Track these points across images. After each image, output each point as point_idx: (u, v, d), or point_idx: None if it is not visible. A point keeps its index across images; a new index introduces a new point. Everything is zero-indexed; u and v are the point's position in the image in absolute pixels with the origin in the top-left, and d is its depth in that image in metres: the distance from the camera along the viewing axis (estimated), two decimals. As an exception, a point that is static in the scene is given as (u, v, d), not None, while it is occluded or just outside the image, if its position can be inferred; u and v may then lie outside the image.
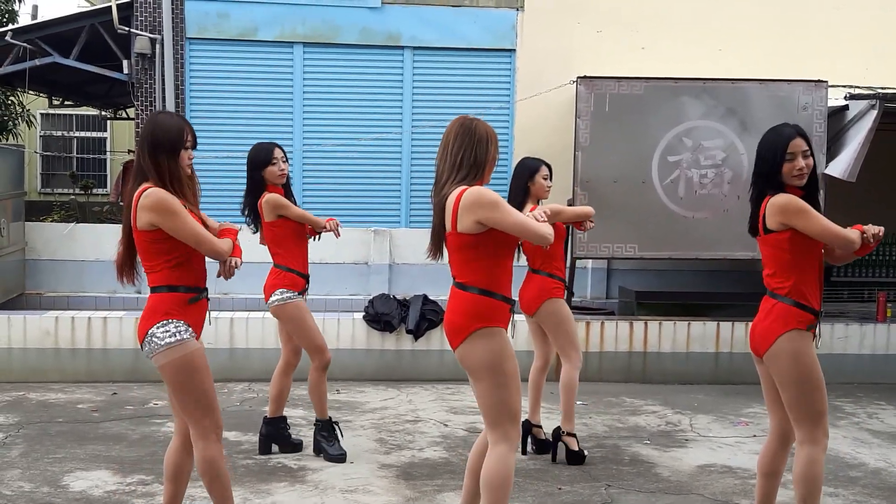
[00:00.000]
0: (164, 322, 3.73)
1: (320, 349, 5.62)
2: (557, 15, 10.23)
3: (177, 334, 3.73)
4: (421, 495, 5.08)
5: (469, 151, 3.86)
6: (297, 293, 5.57)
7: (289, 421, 5.97)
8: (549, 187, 5.71)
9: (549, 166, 5.75)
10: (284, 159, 5.62)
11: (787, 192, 3.97)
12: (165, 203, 3.66)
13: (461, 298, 3.79)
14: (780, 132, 4.03)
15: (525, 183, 5.63)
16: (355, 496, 5.04)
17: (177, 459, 3.96)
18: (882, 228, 3.96)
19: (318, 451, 5.77)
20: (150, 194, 3.68)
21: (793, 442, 4.13)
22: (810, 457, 3.97)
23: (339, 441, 5.76)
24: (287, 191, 5.68)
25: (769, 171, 4.01)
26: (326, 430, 5.73)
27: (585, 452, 5.77)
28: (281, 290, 5.55)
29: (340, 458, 5.65)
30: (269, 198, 5.52)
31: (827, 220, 3.95)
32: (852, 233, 3.96)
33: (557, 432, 5.78)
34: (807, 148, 3.97)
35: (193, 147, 3.86)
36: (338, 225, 5.75)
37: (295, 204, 5.68)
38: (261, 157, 5.56)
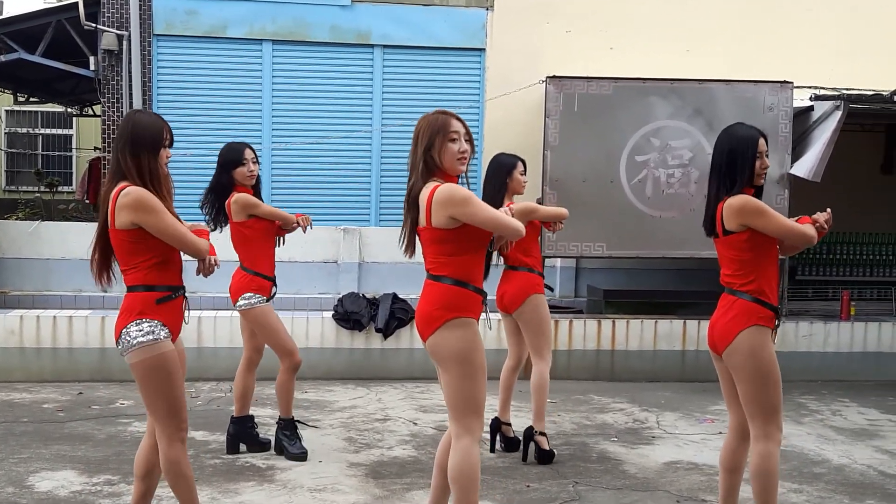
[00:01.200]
0: (139, 321, 3.71)
1: (290, 352, 5.61)
2: (527, 14, 10.26)
3: (150, 334, 3.71)
4: (390, 493, 5.08)
5: (414, 150, 3.92)
6: (264, 298, 5.55)
7: (256, 420, 5.95)
8: (526, 182, 5.75)
9: (524, 162, 5.79)
10: (255, 160, 5.62)
11: (744, 191, 4.06)
12: (147, 201, 3.65)
13: (435, 289, 3.82)
14: (750, 130, 4.13)
15: (503, 179, 5.66)
16: (324, 495, 5.03)
17: (147, 458, 3.94)
18: (829, 211, 4.04)
19: (280, 450, 5.75)
20: (130, 193, 3.65)
21: None
22: (765, 451, 4.01)
23: (300, 440, 5.74)
24: (256, 192, 5.66)
25: (741, 166, 4.07)
26: (289, 429, 5.72)
27: (555, 451, 5.80)
28: (248, 294, 5.53)
29: (301, 456, 5.63)
30: (238, 197, 5.50)
31: (783, 217, 4.04)
32: (808, 228, 4.05)
33: (530, 432, 5.77)
34: (767, 149, 4.14)
35: (171, 145, 3.86)
36: (308, 221, 5.74)
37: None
38: (231, 157, 5.55)
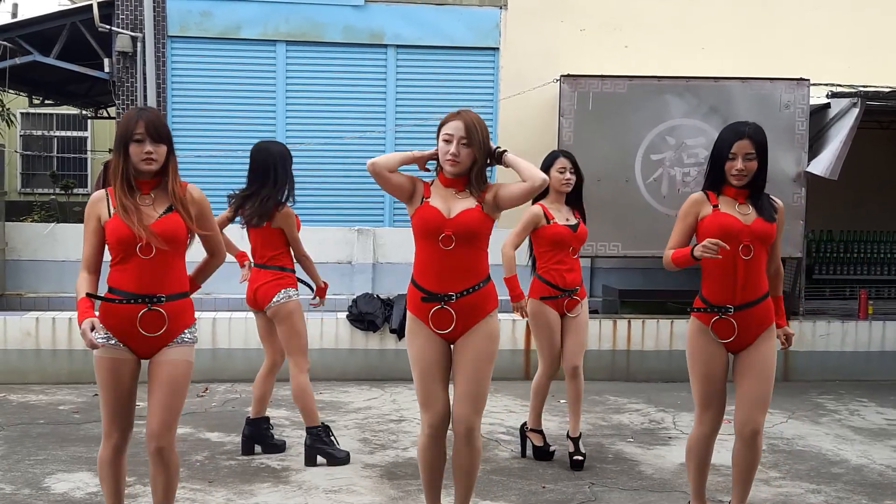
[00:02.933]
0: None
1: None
2: (541, 13, 10.23)
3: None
4: (405, 495, 5.06)
5: None
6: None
7: (272, 421, 5.94)
8: (566, 181, 5.58)
9: (567, 156, 5.65)
10: None
11: (723, 189, 4.18)
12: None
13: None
14: (732, 129, 4.16)
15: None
16: (339, 496, 5.02)
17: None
18: (716, 242, 3.99)
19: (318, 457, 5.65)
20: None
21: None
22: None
23: (337, 442, 5.69)
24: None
25: (711, 167, 4.21)
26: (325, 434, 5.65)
27: (552, 448, 5.79)
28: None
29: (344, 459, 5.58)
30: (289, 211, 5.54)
31: (674, 229, 4.28)
32: (666, 255, 4.28)
33: (522, 428, 5.86)
34: (751, 151, 4.07)
35: (153, 140, 3.76)
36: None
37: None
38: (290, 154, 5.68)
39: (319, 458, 5.57)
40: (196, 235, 3.88)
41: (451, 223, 3.91)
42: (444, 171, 3.97)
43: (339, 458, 5.56)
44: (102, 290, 3.78)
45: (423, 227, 3.93)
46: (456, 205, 3.94)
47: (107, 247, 3.76)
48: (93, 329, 3.52)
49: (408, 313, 4.07)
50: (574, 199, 5.70)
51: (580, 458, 5.64)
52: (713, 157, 4.18)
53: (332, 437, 5.66)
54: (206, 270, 4.09)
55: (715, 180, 4.20)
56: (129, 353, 3.76)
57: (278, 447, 5.81)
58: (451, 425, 4.07)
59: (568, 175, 5.58)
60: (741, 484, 4.30)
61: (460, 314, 3.95)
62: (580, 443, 5.70)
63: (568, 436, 5.76)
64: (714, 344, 4.20)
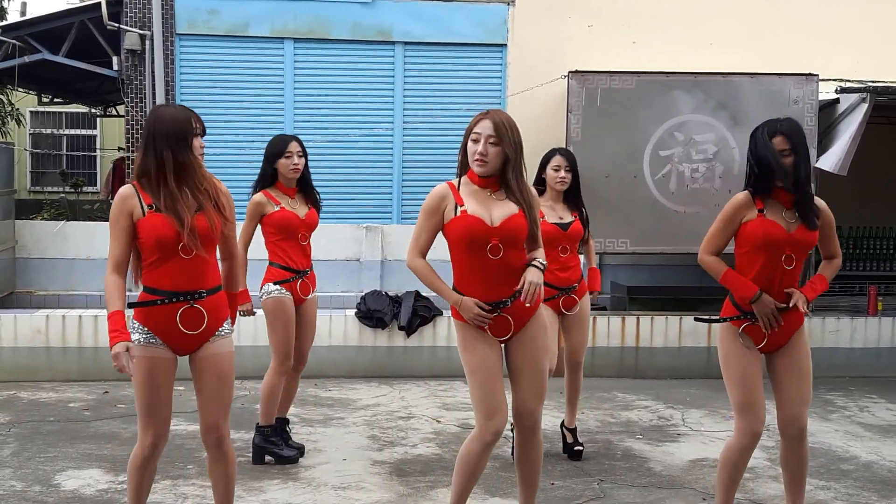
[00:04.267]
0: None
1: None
2: (549, 9, 10.21)
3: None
4: (414, 491, 5.07)
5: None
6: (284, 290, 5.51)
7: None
8: (561, 179, 5.56)
9: (563, 153, 5.65)
10: (300, 154, 5.51)
11: (772, 193, 4.06)
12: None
13: None
14: (766, 126, 4.07)
15: (539, 174, 5.67)
16: (348, 493, 5.03)
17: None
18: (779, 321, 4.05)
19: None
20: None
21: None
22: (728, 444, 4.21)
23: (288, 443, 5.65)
24: (305, 188, 5.62)
25: (760, 167, 4.05)
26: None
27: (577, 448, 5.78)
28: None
29: (293, 458, 5.54)
30: (253, 198, 5.47)
31: (712, 230, 4.19)
32: (706, 259, 4.23)
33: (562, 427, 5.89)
34: (785, 147, 3.97)
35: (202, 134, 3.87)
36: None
37: (313, 202, 5.64)
38: (275, 149, 5.46)
39: (268, 458, 5.53)
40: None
41: (498, 232, 3.84)
42: (474, 171, 3.90)
43: (287, 458, 5.51)
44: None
45: (467, 237, 3.83)
46: (496, 210, 3.87)
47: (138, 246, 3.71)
48: (127, 350, 3.54)
49: (456, 322, 3.96)
50: (572, 198, 5.66)
51: (580, 448, 5.72)
52: (759, 158, 4.02)
53: (287, 434, 5.65)
54: (230, 278, 4.01)
55: (763, 180, 4.04)
56: (167, 352, 3.74)
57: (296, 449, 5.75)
58: (517, 420, 4.02)
59: (563, 173, 5.57)
60: (795, 485, 4.21)
61: (515, 317, 3.94)
62: (577, 433, 5.80)
63: (564, 427, 5.83)
64: (746, 347, 4.11)
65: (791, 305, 4.05)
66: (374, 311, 8.17)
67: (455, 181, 3.98)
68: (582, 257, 5.83)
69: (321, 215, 5.78)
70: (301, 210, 5.54)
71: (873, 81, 8.92)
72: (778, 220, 4.03)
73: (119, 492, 4.98)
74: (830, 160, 8.22)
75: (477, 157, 3.83)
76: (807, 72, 8.53)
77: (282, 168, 5.46)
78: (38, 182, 18.64)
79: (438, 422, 6.64)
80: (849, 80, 9.04)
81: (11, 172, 10.06)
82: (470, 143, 3.87)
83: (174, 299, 3.69)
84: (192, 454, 5.67)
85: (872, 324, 8.67)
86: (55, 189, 17.54)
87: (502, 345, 4.04)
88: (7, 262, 9.46)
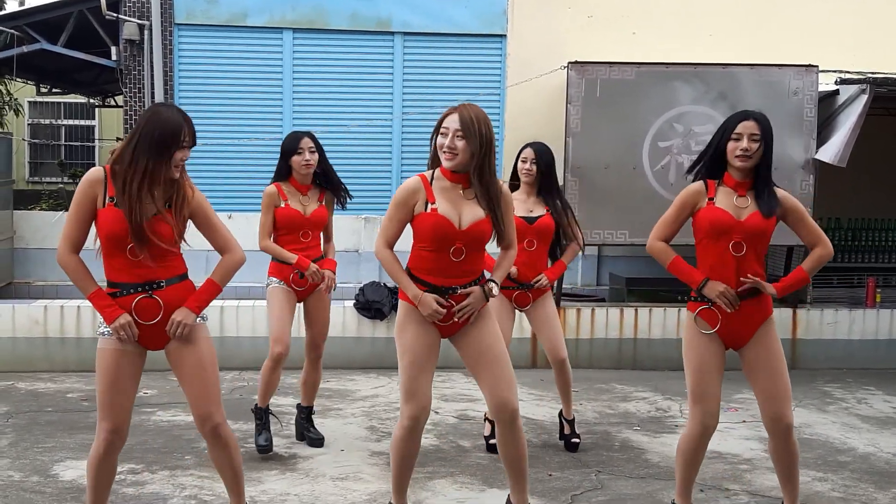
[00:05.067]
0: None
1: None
2: (548, 0, 10.18)
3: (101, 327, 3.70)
4: (412, 482, 5.04)
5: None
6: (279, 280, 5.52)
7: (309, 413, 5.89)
8: (527, 171, 5.56)
9: (533, 147, 5.62)
10: (312, 150, 5.52)
11: (724, 178, 4.10)
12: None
13: None
14: (737, 113, 4.11)
15: (514, 165, 5.67)
16: (346, 483, 5.03)
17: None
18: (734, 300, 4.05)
19: (301, 437, 5.79)
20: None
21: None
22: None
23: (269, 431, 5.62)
24: (326, 183, 5.66)
25: (712, 151, 4.10)
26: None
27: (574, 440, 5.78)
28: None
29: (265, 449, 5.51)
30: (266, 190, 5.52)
31: (664, 216, 4.27)
32: (655, 245, 4.36)
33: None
34: (756, 132, 3.97)
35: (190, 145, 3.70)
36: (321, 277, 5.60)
37: (333, 199, 5.72)
38: (288, 146, 5.51)
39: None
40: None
41: (463, 235, 3.88)
42: (443, 164, 3.93)
43: (258, 444, 5.51)
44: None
45: (432, 236, 3.88)
46: (466, 211, 3.90)
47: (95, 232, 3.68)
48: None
49: (401, 302, 4.03)
50: (545, 192, 5.63)
51: (577, 440, 5.74)
52: (714, 141, 4.08)
53: (266, 420, 5.62)
54: (220, 269, 3.83)
55: (715, 166, 4.10)
56: (133, 346, 3.70)
57: (314, 441, 5.75)
58: (494, 414, 4.02)
59: (528, 165, 5.57)
60: (788, 481, 4.20)
61: (458, 304, 3.96)
62: (575, 424, 5.81)
63: (562, 417, 5.83)
64: (706, 336, 4.10)
65: (750, 293, 4.04)
66: (372, 303, 8.17)
67: (428, 174, 3.99)
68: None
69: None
70: (309, 207, 5.55)
71: (873, 73, 8.91)
72: (727, 208, 4.04)
73: (117, 482, 4.98)
74: (830, 151, 8.21)
75: (445, 150, 3.86)
76: (807, 63, 8.51)
77: (294, 164, 5.51)
78: (36, 172, 18.60)
79: (436, 413, 6.64)
80: (849, 72, 9.02)
81: (9, 163, 10.06)
82: (439, 137, 3.90)
83: (130, 290, 3.66)
84: (189, 445, 5.67)
85: (871, 315, 8.68)
86: (53, 179, 17.49)
87: (445, 339, 4.07)
88: (5, 253, 9.46)
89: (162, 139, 3.56)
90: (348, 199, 5.81)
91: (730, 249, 4.03)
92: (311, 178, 5.60)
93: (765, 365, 4.10)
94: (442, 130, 3.88)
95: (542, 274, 5.56)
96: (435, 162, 3.99)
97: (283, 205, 5.49)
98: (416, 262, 3.99)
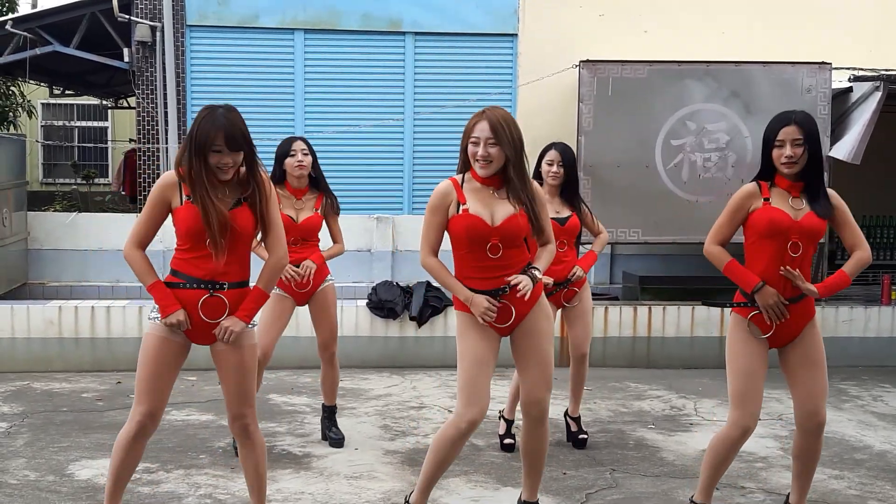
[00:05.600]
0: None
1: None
2: (559, -1, 10.17)
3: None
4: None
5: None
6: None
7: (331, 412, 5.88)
8: (554, 174, 5.55)
9: (558, 147, 5.60)
10: (305, 152, 5.50)
11: (775, 180, 4.07)
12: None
13: None
14: (779, 117, 4.07)
15: (536, 168, 5.64)
16: (360, 482, 5.04)
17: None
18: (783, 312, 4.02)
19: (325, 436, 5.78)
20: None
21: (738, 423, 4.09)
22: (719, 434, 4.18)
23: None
24: (318, 185, 5.63)
25: (763, 157, 4.09)
26: None
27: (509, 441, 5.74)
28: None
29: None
30: None
31: (719, 220, 4.17)
32: (711, 250, 4.24)
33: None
34: (798, 137, 3.95)
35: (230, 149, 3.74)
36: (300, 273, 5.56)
37: (325, 204, 5.64)
38: (282, 149, 5.50)
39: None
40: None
41: (497, 231, 3.91)
42: (478, 173, 3.95)
43: (234, 445, 5.49)
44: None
45: (467, 236, 3.92)
46: (498, 209, 3.93)
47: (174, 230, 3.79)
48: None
49: (457, 312, 4.05)
50: (568, 193, 5.64)
51: (585, 436, 5.75)
52: (763, 147, 4.07)
53: (334, 420, 5.75)
54: (265, 274, 3.88)
55: (766, 170, 4.08)
56: (181, 337, 3.80)
57: (335, 441, 5.74)
58: (525, 409, 4.06)
59: (556, 168, 5.56)
60: (804, 477, 4.20)
61: (516, 304, 3.99)
62: (581, 422, 5.83)
63: (568, 416, 5.85)
64: (753, 338, 4.08)
65: (798, 295, 4.02)
66: (385, 302, 8.17)
67: (458, 177, 4.03)
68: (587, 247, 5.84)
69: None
70: (302, 214, 5.51)
71: (887, 70, 8.86)
72: (783, 208, 4.02)
73: (133, 481, 4.99)
74: (844, 149, 8.17)
75: (479, 159, 3.88)
76: (820, 60, 8.47)
77: (288, 167, 5.49)
78: (49, 174, 18.70)
79: (450, 411, 6.63)
80: (862, 69, 8.98)
81: (23, 164, 10.09)
82: (470, 146, 3.92)
83: (196, 286, 3.75)
84: (204, 444, 5.69)
85: (886, 313, 8.63)
86: (67, 181, 17.59)
87: (505, 338, 4.09)
88: (19, 254, 9.50)
89: (198, 143, 3.68)
90: (338, 208, 5.72)
91: (788, 250, 4.00)
92: (306, 182, 5.57)
93: (808, 363, 4.09)
94: (472, 139, 3.89)
95: (575, 266, 5.59)
96: (465, 166, 4.00)
97: None
98: (461, 270, 4.03)
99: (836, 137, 8.38)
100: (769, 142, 4.02)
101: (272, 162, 5.56)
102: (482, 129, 3.86)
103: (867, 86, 8.16)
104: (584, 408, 6.60)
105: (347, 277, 9.70)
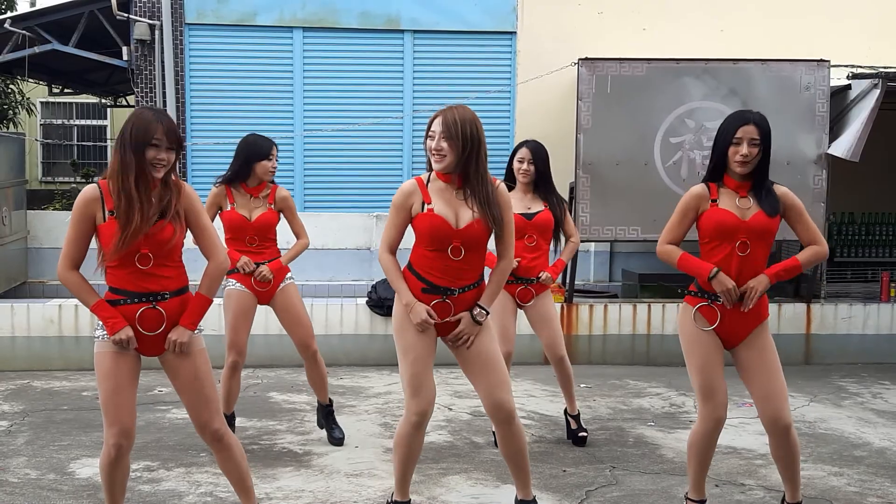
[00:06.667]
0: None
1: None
2: (558, -4, 10.18)
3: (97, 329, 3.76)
4: (426, 479, 5.08)
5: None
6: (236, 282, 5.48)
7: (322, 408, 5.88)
8: (526, 171, 5.53)
9: (529, 146, 5.58)
10: (277, 157, 5.51)
11: (724, 180, 4.09)
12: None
13: None
14: (737, 115, 4.08)
15: (508, 166, 5.67)
16: (360, 480, 5.05)
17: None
18: (733, 294, 4.02)
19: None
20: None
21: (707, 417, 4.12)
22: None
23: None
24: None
25: (715, 153, 4.10)
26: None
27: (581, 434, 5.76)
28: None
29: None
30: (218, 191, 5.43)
31: (670, 222, 4.24)
32: (662, 249, 4.31)
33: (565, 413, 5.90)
34: (756, 137, 3.95)
35: (169, 146, 3.65)
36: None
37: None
38: (261, 150, 5.40)
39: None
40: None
41: (460, 234, 3.94)
42: (433, 166, 3.99)
43: None
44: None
45: (430, 235, 3.95)
46: (462, 211, 3.95)
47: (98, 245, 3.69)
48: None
49: (397, 308, 4.11)
50: (542, 189, 5.62)
51: (584, 434, 5.75)
52: (716, 144, 4.08)
53: (231, 425, 5.61)
54: (205, 280, 3.80)
55: (717, 168, 4.10)
56: (131, 352, 3.73)
57: (335, 440, 5.75)
58: (491, 415, 4.07)
59: (525, 166, 5.55)
60: (789, 477, 4.21)
61: (458, 308, 4.05)
62: (580, 419, 5.83)
63: (566, 414, 5.85)
64: (705, 332, 4.10)
65: (743, 291, 4.02)
66: (385, 300, 8.18)
67: (424, 176, 4.06)
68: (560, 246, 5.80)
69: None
70: (255, 212, 5.44)
71: (885, 67, 8.88)
72: (730, 209, 4.04)
73: (133, 479, 5.00)
74: (842, 146, 8.18)
75: (433, 152, 3.92)
76: (818, 58, 8.48)
77: (260, 170, 5.40)
78: (49, 172, 18.68)
79: (450, 409, 6.65)
80: (860, 66, 9.00)
81: (23, 162, 10.10)
82: (427, 140, 3.97)
83: (135, 300, 3.69)
84: (203, 442, 5.68)
85: (885, 310, 8.65)
86: (66, 179, 17.56)
87: (442, 339, 4.17)
88: (19, 252, 9.51)
89: (136, 135, 3.59)
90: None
91: (736, 250, 4.03)
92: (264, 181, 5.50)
93: (760, 366, 4.09)
94: (430, 133, 3.95)
95: (543, 271, 5.57)
96: (431, 164, 4.04)
97: (228, 207, 5.41)
98: (418, 261, 4.06)
99: (834, 135, 8.39)
100: (725, 139, 4.02)
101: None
102: (437, 124, 3.92)
103: (866, 83, 8.17)
104: (584, 405, 6.62)
105: (347, 275, 9.72)
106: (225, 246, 3.87)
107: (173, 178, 3.74)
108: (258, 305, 5.58)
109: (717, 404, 4.07)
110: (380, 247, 4.13)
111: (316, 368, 5.67)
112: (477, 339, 4.07)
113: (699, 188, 4.14)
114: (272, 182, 5.57)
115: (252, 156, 5.40)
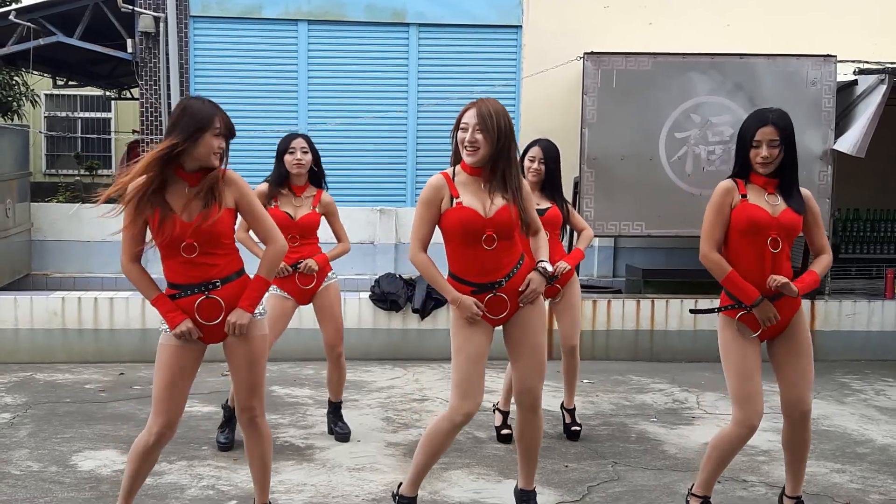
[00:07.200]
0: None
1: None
2: (564, -10, 10.14)
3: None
4: (428, 473, 5.07)
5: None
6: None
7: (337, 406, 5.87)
8: (534, 170, 5.54)
9: (541, 144, 5.59)
10: (305, 150, 5.45)
11: (751, 177, 4.05)
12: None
13: None
14: (756, 116, 4.04)
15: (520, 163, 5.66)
16: (362, 474, 5.04)
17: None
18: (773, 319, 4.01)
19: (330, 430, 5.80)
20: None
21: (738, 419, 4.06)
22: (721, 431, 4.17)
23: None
24: (319, 182, 5.60)
25: (738, 154, 4.08)
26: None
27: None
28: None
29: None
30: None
31: (708, 224, 4.09)
32: (712, 257, 4.08)
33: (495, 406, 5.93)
34: (775, 138, 3.93)
35: (227, 135, 3.77)
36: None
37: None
38: (282, 146, 5.46)
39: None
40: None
41: (491, 223, 3.93)
42: (465, 160, 3.98)
43: (218, 442, 5.49)
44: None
45: (462, 228, 3.93)
46: (489, 201, 3.95)
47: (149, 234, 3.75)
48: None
49: (452, 307, 4.06)
50: (549, 188, 5.63)
51: (578, 428, 5.77)
52: (738, 145, 4.07)
53: (339, 415, 5.77)
54: (265, 262, 3.86)
55: (742, 168, 4.08)
56: (194, 343, 3.78)
57: (340, 435, 5.74)
58: (518, 398, 4.13)
59: (536, 165, 5.55)
60: (796, 466, 4.20)
61: (511, 296, 4.05)
62: (575, 414, 5.85)
63: (563, 408, 5.87)
64: (744, 337, 4.06)
65: (775, 290, 3.98)
66: (388, 294, 8.17)
67: (449, 171, 4.05)
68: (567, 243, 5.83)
69: (334, 198, 5.73)
70: (300, 211, 5.48)
71: (892, 63, 8.83)
72: (760, 204, 4.01)
73: (135, 472, 5.01)
74: (848, 142, 8.15)
75: (466, 144, 3.92)
76: (825, 53, 8.45)
77: (287, 164, 5.45)
78: (53, 165, 18.70)
79: (452, 404, 6.64)
80: (867, 62, 8.95)
81: (27, 155, 10.09)
82: (460, 133, 3.96)
83: (189, 292, 3.73)
84: (206, 435, 5.69)
85: (890, 307, 8.62)
86: (70, 172, 17.59)
87: (498, 327, 4.14)
88: (23, 245, 9.51)
89: (199, 121, 3.64)
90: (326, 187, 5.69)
91: (768, 246, 3.99)
92: (305, 179, 5.52)
93: (795, 352, 4.09)
94: (462, 126, 3.94)
95: (561, 261, 5.57)
96: (456, 158, 4.03)
97: (272, 205, 5.43)
98: (455, 264, 4.06)
99: (840, 130, 8.36)
100: (745, 141, 4.01)
101: (272, 154, 5.54)
102: (470, 116, 3.91)
103: (872, 79, 8.14)
104: (587, 401, 6.62)
105: (350, 270, 9.70)
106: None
107: (220, 166, 3.78)
108: (297, 306, 5.59)
109: (754, 411, 4.02)
110: (411, 247, 4.07)
111: (338, 370, 5.70)
112: (531, 327, 4.09)
113: (727, 182, 4.09)
114: (317, 185, 5.58)
115: (279, 152, 5.48)
